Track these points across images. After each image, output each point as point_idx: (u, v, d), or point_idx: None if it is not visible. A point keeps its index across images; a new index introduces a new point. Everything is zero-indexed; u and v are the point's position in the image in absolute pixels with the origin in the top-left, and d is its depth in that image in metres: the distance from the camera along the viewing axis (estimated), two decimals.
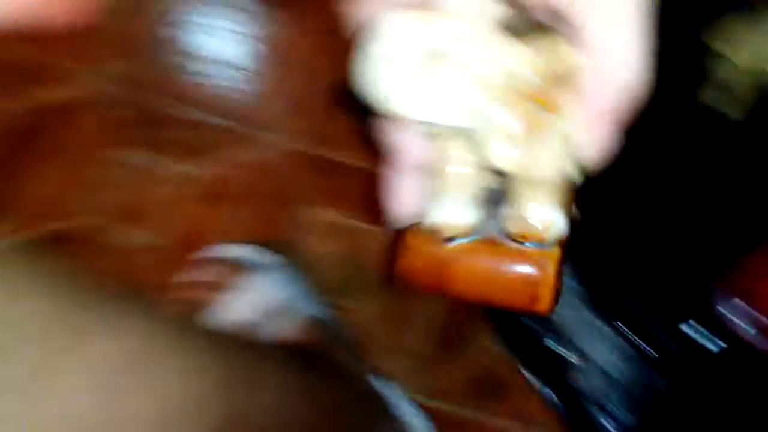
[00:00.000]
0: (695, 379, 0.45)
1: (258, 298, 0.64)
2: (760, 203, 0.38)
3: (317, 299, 0.67)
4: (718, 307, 0.46)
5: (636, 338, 0.48)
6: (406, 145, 0.20)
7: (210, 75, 0.74)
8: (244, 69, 0.75)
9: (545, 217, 0.20)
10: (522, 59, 0.18)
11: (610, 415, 0.60)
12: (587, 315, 0.61)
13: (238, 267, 0.67)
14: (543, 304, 0.21)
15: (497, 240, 0.21)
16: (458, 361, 0.70)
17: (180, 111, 0.74)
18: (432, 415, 0.68)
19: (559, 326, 0.62)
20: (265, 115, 0.75)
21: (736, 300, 0.44)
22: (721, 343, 0.46)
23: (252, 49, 0.75)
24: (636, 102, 0.17)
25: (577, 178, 0.21)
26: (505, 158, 0.19)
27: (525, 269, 0.21)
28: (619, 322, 0.48)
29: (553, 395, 0.63)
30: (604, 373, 0.60)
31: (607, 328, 0.60)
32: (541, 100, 0.18)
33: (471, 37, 0.17)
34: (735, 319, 0.44)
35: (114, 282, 0.35)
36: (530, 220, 0.20)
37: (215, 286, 0.66)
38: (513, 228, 0.21)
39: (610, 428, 0.60)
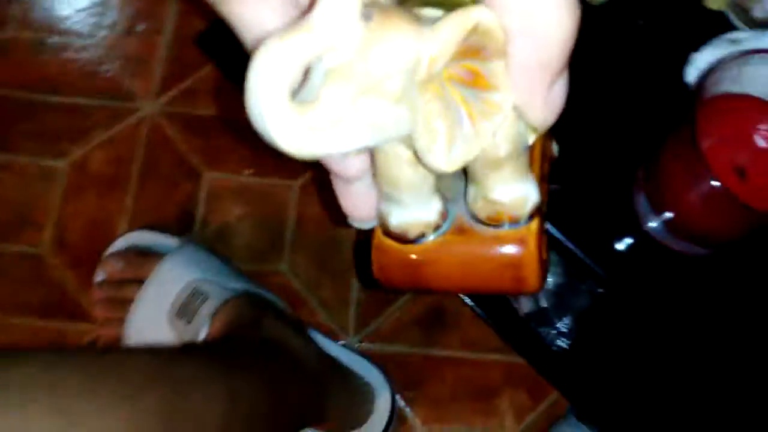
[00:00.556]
0: (617, 278, 0.42)
1: (171, 286, 0.60)
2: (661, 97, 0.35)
3: (236, 272, 0.63)
4: (634, 204, 0.41)
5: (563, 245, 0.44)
6: (337, 163, 0.18)
7: (66, 49, 0.69)
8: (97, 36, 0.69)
9: (513, 194, 0.19)
10: (430, 44, 0.14)
11: (553, 327, 0.57)
12: None
13: (147, 255, 0.63)
14: (531, 284, 0.20)
15: (468, 227, 0.19)
16: (401, 302, 0.67)
17: (42, 97, 0.68)
18: (385, 359, 0.65)
19: None
20: (133, 85, 0.70)
21: (644, 197, 0.40)
22: (630, 240, 0.42)
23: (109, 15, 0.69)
24: (569, 44, 0.15)
25: (533, 138, 0.18)
26: (445, 160, 0.16)
27: (504, 253, 0.19)
28: None
29: (497, 320, 0.60)
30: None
31: None
32: (469, 81, 0.16)
33: (351, 41, 0.14)
34: (645, 217, 0.40)
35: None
36: (498, 201, 0.19)
37: (131, 280, 0.62)
38: (481, 212, 0.19)
39: (556, 340, 0.57)
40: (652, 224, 0.40)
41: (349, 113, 0.15)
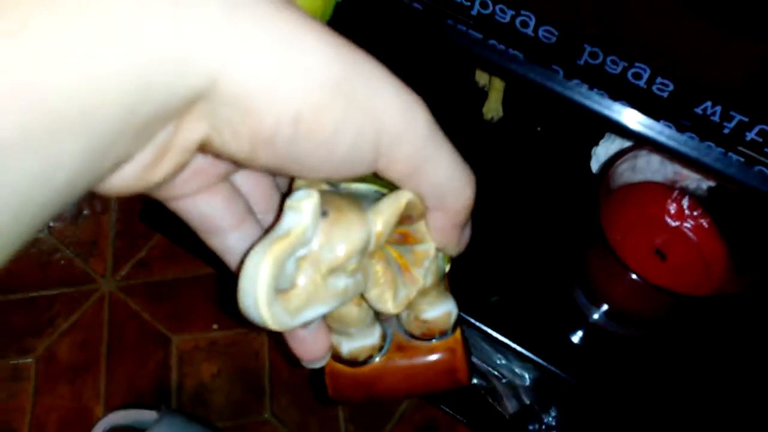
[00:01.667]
0: (581, 368, 0.42)
1: None
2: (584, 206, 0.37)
3: None
4: (575, 299, 0.43)
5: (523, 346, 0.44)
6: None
7: None
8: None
9: (439, 312, 0.23)
10: (372, 224, 0.19)
11: (541, 422, 0.56)
12: (477, 339, 0.57)
13: None
14: (462, 381, 0.24)
15: (405, 343, 0.23)
16: (390, 427, 0.66)
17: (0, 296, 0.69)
18: None
19: None
20: (88, 267, 0.71)
21: (581, 292, 0.41)
22: (581, 333, 0.42)
23: None
24: (471, 204, 0.19)
25: (448, 267, 0.23)
26: (394, 306, 0.20)
27: (438, 360, 0.23)
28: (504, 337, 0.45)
29: (486, 428, 0.59)
30: (514, 386, 0.57)
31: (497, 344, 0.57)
32: (400, 240, 0.21)
33: (315, 236, 0.18)
34: (587, 309, 0.41)
35: None
36: (429, 320, 0.23)
37: None
38: (415, 331, 0.23)
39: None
40: (595, 316, 0.41)
41: (320, 291, 0.18)
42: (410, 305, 0.22)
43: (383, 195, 0.20)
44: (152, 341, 0.69)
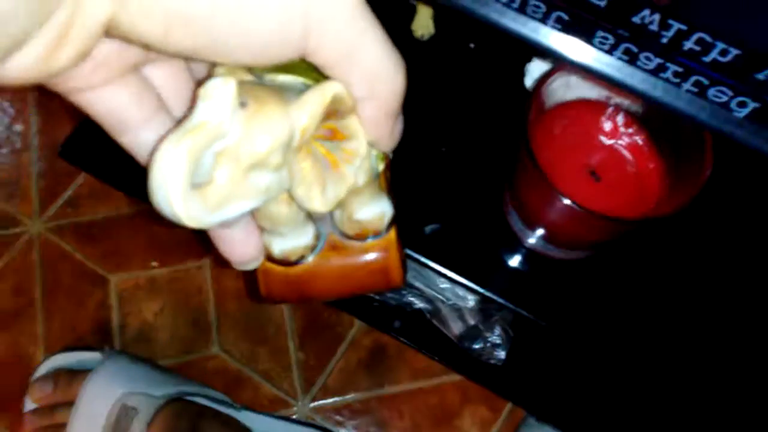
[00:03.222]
0: (514, 291, 0.42)
1: (99, 406, 0.57)
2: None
3: (163, 375, 0.61)
4: (510, 223, 0.41)
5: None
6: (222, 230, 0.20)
7: None
8: None
9: (372, 212, 0.23)
10: (296, 117, 0.18)
11: (486, 341, 0.57)
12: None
13: (74, 373, 0.60)
14: (396, 282, 0.24)
15: (339, 243, 0.23)
16: (341, 351, 0.66)
17: None
18: (340, 411, 0.65)
19: (409, 287, 0.58)
20: (13, 209, 0.67)
21: (515, 216, 0.40)
22: (519, 257, 0.42)
23: None
24: (403, 91, 0.19)
25: (382, 166, 0.22)
26: (322, 204, 0.19)
27: (372, 260, 0.23)
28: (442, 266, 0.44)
29: (432, 348, 0.59)
30: (458, 309, 0.57)
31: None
32: (329, 136, 0.19)
33: (233, 127, 0.17)
34: (522, 234, 0.40)
35: None
36: (362, 220, 0.22)
37: (62, 403, 0.60)
38: (349, 231, 0.23)
39: (493, 352, 0.57)
40: (531, 240, 0.40)
41: (241, 187, 0.17)
42: (342, 205, 0.22)
43: (305, 87, 0.19)
44: (89, 282, 0.66)
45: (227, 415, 0.59)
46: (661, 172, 0.36)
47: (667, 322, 0.41)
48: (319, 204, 0.19)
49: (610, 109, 0.36)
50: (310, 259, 0.23)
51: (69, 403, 0.58)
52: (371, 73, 0.18)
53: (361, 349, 0.66)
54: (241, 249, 0.21)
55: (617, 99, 0.36)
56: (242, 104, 0.17)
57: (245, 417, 0.60)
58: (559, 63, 0.35)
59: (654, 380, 0.44)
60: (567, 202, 0.32)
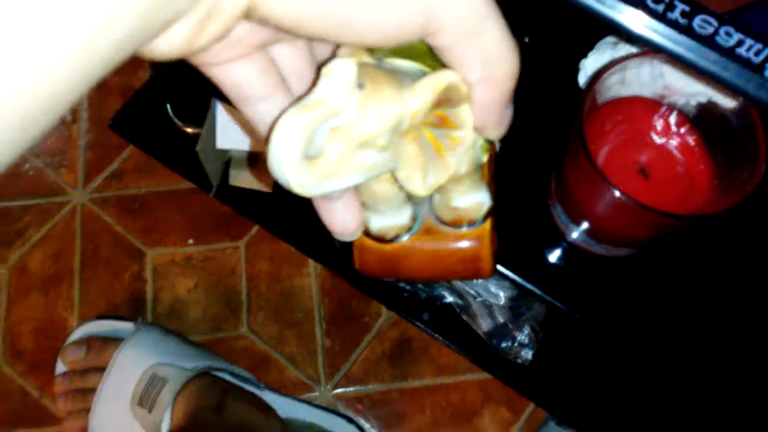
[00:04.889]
0: (558, 290, 0.42)
1: (129, 374, 0.59)
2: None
3: (193, 349, 0.62)
4: (554, 217, 0.42)
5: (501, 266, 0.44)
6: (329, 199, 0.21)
7: None
8: None
9: (471, 202, 0.23)
10: (409, 102, 0.19)
11: (514, 340, 0.57)
12: None
13: (107, 341, 0.62)
14: (485, 272, 0.24)
15: (434, 227, 0.24)
16: (366, 341, 0.67)
17: None
18: (361, 401, 0.65)
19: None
20: (59, 178, 0.69)
21: (560, 209, 0.40)
22: (559, 252, 0.42)
23: None
24: (518, 75, 0.19)
25: (486, 157, 0.23)
26: (422, 188, 0.20)
27: (464, 248, 0.24)
28: None
29: (461, 343, 0.60)
30: (489, 305, 0.57)
31: None
32: (438, 123, 0.20)
33: (349, 107, 0.18)
34: (565, 228, 0.41)
35: None
36: (459, 208, 0.23)
37: (93, 369, 0.61)
38: (445, 217, 0.24)
39: (520, 352, 0.57)
40: (574, 234, 0.41)
41: (348, 163, 0.18)
42: (442, 191, 0.23)
43: (423, 73, 0.20)
44: (126, 254, 0.68)
45: (252, 393, 0.60)
46: (710, 173, 0.36)
47: (705, 328, 0.41)
48: (419, 187, 0.20)
49: (663, 108, 0.37)
50: (405, 238, 0.24)
51: (100, 369, 0.59)
52: (490, 55, 0.18)
53: (386, 340, 0.67)
54: (342, 221, 0.21)
55: (671, 98, 0.36)
56: (360, 85, 0.18)
57: (269, 397, 0.61)
58: (625, 54, 0.35)
59: (685, 389, 0.44)
60: (617, 194, 0.32)
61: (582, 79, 0.41)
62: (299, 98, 0.18)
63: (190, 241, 0.68)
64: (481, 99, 0.19)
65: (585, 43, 0.43)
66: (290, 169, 0.17)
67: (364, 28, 0.16)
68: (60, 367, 0.62)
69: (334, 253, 0.59)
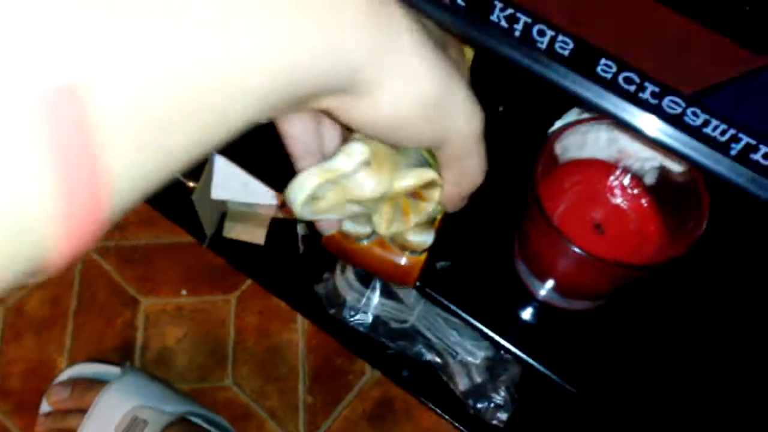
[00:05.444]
0: (532, 346, 0.43)
1: (111, 415, 0.60)
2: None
3: (176, 395, 0.63)
4: (521, 276, 0.44)
5: (477, 321, 0.46)
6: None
7: None
8: None
9: (418, 239, 0.32)
10: (402, 184, 0.27)
11: (489, 401, 0.58)
12: (433, 315, 0.59)
13: (91, 383, 0.63)
14: (410, 283, 0.34)
15: (386, 242, 0.33)
16: (348, 399, 0.68)
17: None
18: None
19: (421, 337, 0.60)
20: None
21: (524, 266, 0.43)
22: (532, 309, 0.44)
23: None
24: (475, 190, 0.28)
25: (440, 215, 0.33)
26: (385, 232, 0.30)
27: (402, 265, 0.33)
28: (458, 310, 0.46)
29: (439, 402, 0.60)
30: (466, 364, 0.58)
31: (453, 320, 0.58)
32: (414, 195, 0.28)
33: (356, 175, 0.26)
34: (532, 285, 0.43)
35: None
36: (408, 240, 0.32)
37: (75, 410, 0.62)
38: (397, 241, 0.32)
39: (496, 413, 0.57)
40: (540, 291, 0.43)
41: (339, 208, 0.27)
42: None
43: (422, 157, 0.28)
44: (121, 302, 0.70)
45: None
46: (660, 227, 0.39)
47: (674, 370, 0.42)
48: (383, 232, 0.30)
49: (618, 171, 0.40)
50: (364, 242, 0.33)
51: (82, 411, 0.60)
52: (465, 172, 0.26)
53: (368, 399, 0.68)
54: (324, 227, 0.30)
55: (626, 161, 0.39)
56: (367, 163, 0.25)
57: None
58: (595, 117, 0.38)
59: None
60: (574, 249, 0.34)
61: None
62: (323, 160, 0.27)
63: (183, 292, 0.71)
64: (448, 193, 0.28)
65: (554, 112, 0.46)
66: (297, 204, 0.26)
67: (404, 142, 0.23)
68: (44, 407, 0.63)
69: (321, 310, 0.61)
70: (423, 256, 0.33)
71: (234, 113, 0.17)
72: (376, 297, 0.60)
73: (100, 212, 0.14)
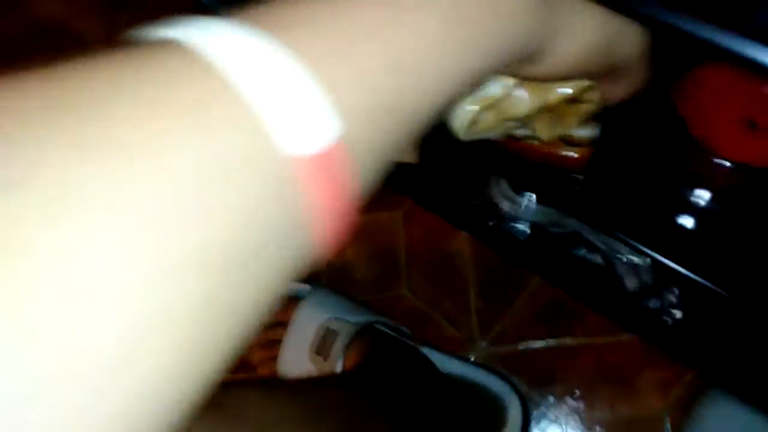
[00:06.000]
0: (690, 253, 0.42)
1: (307, 328, 0.68)
2: None
3: (359, 307, 0.70)
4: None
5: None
6: None
7: None
8: None
9: (581, 134, 0.35)
10: (550, 94, 0.29)
11: (661, 300, 0.56)
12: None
13: (288, 300, 0.72)
14: (578, 169, 0.38)
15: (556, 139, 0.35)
16: (517, 303, 0.70)
17: None
18: (515, 359, 0.68)
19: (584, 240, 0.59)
20: None
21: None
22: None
23: None
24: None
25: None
26: (546, 137, 0.33)
27: (567, 155, 0.36)
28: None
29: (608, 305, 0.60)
30: (635, 265, 0.57)
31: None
32: (571, 97, 0.30)
33: (508, 98, 0.29)
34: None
35: None
36: (573, 135, 0.35)
37: (278, 323, 0.72)
38: (564, 137, 0.35)
39: (669, 311, 0.56)
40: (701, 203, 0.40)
41: (497, 127, 0.31)
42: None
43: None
44: None
45: (413, 347, 0.66)
46: None
47: None
48: (545, 137, 0.32)
49: None
50: (535, 142, 0.35)
51: (284, 323, 0.70)
52: (632, 84, 0.29)
53: (539, 300, 0.69)
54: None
55: None
56: (517, 84, 0.27)
57: (427, 352, 0.67)
58: None
59: None
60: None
61: None
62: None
63: None
64: (613, 98, 0.30)
65: None
66: (461, 129, 0.29)
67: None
68: None
69: (481, 222, 0.63)
70: (586, 149, 0.36)
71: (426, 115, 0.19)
72: (533, 204, 0.60)
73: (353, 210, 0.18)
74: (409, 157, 0.68)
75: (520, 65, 0.23)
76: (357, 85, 0.16)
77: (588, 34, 0.23)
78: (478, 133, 0.31)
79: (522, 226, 0.60)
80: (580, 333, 0.67)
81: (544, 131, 0.31)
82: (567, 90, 0.28)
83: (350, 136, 0.16)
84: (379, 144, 0.18)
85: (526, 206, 0.61)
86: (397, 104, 0.18)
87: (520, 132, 0.34)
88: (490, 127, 0.30)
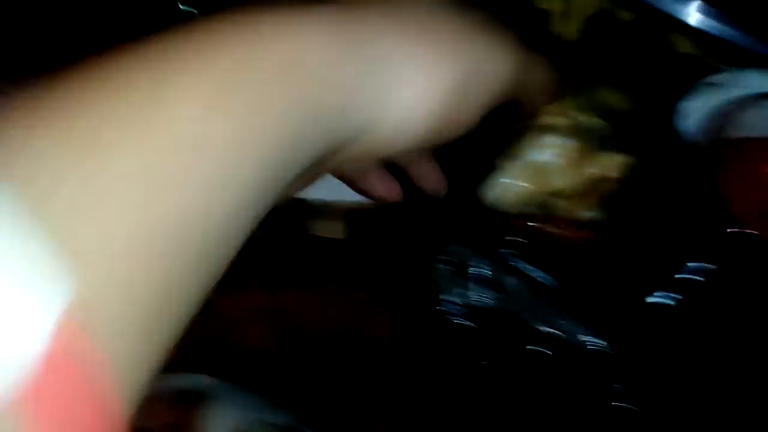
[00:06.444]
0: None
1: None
2: None
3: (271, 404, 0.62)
4: None
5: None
6: None
7: None
8: None
9: (588, 215, 0.32)
10: (589, 169, 0.28)
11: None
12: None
13: (192, 398, 0.62)
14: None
15: (557, 217, 0.32)
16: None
17: None
18: None
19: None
20: None
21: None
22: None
23: None
24: None
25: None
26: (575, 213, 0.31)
27: (572, 236, 0.32)
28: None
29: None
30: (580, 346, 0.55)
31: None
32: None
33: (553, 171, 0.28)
34: None
35: None
36: (578, 215, 0.32)
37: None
38: (567, 214, 0.33)
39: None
40: None
41: (533, 199, 0.30)
42: None
43: (606, 131, 0.29)
44: None
45: None
46: None
47: None
48: (573, 214, 0.31)
49: None
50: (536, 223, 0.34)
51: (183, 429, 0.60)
52: (540, 93, 0.27)
53: None
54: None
55: None
56: (561, 155, 0.27)
57: None
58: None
59: None
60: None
61: (682, 122, 0.39)
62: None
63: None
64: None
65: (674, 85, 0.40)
66: (493, 197, 0.28)
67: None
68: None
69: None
70: (589, 231, 0.33)
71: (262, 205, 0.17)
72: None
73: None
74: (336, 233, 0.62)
75: (348, 148, 0.18)
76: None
77: (436, 81, 0.18)
78: (512, 205, 0.30)
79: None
80: None
81: (573, 208, 0.30)
82: (600, 168, 0.28)
83: (94, 318, 0.12)
84: (150, 313, 0.14)
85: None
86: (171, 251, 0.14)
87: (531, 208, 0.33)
88: (526, 199, 0.29)
